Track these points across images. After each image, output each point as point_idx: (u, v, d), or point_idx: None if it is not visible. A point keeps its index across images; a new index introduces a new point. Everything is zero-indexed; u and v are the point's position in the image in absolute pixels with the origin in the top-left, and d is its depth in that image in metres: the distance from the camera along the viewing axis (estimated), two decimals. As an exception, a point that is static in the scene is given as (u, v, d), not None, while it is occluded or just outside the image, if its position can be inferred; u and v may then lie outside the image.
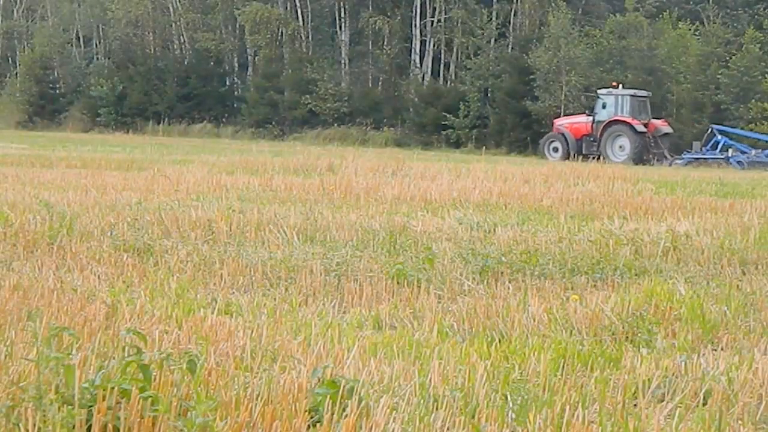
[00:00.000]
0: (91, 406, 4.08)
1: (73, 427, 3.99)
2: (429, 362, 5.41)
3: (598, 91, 43.25)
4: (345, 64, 56.36)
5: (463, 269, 8.58)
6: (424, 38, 55.22)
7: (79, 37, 65.08)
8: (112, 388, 4.12)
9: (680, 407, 4.96)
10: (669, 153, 41.24)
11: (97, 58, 63.71)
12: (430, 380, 5.06)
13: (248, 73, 59.54)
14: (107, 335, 5.61)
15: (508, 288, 8.00)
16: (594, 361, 5.71)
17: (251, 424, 4.20)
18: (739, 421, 4.79)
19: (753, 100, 43.54)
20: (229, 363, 5.18)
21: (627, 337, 6.39)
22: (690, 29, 47.45)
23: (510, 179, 20.28)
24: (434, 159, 32.67)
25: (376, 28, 54.62)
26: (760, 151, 39.73)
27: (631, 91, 42.32)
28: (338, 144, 46.19)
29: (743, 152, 39.65)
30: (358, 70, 56.33)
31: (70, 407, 4.04)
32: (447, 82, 54.83)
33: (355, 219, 11.83)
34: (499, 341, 6.13)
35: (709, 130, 41.24)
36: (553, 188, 18.29)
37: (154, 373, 4.30)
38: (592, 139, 41.62)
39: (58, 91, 62.95)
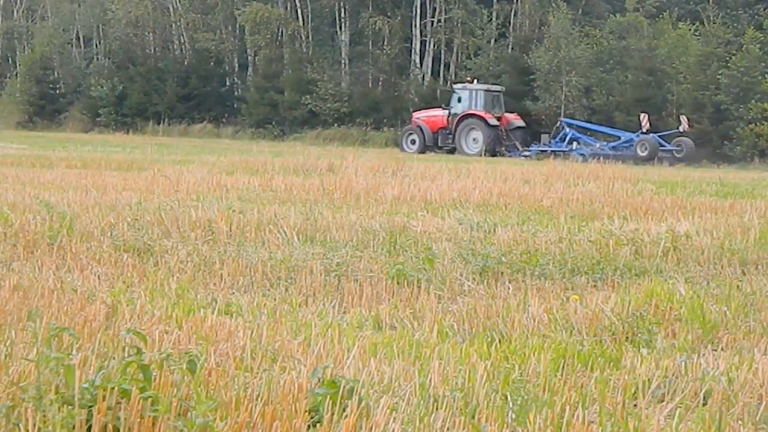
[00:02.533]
0: (91, 407, 4.08)
1: (73, 427, 3.99)
2: (429, 362, 5.41)
3: (454, 86, 45.41)
4: (345, 64, 56.36)
5: (463, 269, 8.58)
6: (424, 38, 55.23)
7: (79, 37, 65.10)
8: (112, 388, 4.12)
9: (680, 407, 4.96)
10: (520, 145, 42.89)
11: (97, 59, 63.71)
12: (430, 380, 5.06)
13: (248, 73, 59.55)
14: (107, 335, 5.61)
15: (508, 288, 8.00)
16: (594, 361, 5.71)
17: (251, 425, 4.20)
18: (739, 422, 4.79)
19: (753, 100, 43.53)
20: (229, 363, 5.17)
21: (627, 338, 6.39)
22: (690, 29, 47.44)
23: (510, 179, 20.29)
24: (434, 159, 32.67)
25: (376, 28, 54.62)
26: (604, 143, 41.54)
27: (485, 86, 44.38)
28: (338, 144, 46.19)
29: (589, 144, 41.34)
30: (358, 70, 56.33)
31: (70, 407, 4.04)
32: (447, 83, 54.82)
33: (355, 219, 11.83)
34: (499, 341, 6.13)
35: (559, 123, 43.10)
36: (553, 188, 18.29)
37: (154, 374, 4.30)
38: (447, 132, 43.60)
39: (58, 92, 62.94)
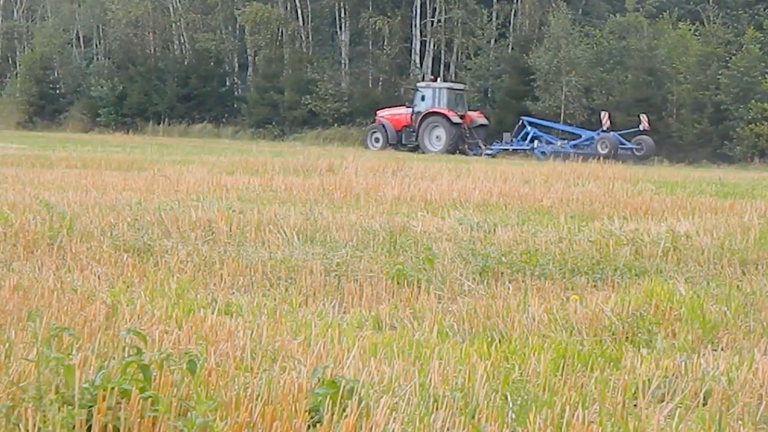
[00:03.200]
0: (91, 407, 4.08)
1: (73, 427, 3.99)
2: (429, 362, 5.41)
3: (418, 84, 46.03)
4: (345, 64, 56.36)
5: (463, 269, 8.58)
6: (424, 38, 55.22)
7: (79, 38, 65.09)
8: (112, 388, 4.12)
9: (680, 407, 4.96)
10: (482, 143, 43.42)
11: (97, 59, 63.69)
12: (430, 380, 5.06)
13: (248, 74, 59.54)
14: (107, 335, 5.61)
15: (508, 288, 8.00)
16: (594, 361, 5.71)
17: (251, 425, 4.20)
18: (739, 422, 4.79)
19: (753, 101, 43.54)
20: (229, 363, 5.18)
21: (627, 338, 6.39)
22: (690, 29, 47.44)
23: (510, 179, 20.29)
24: (434, 159, 32.68)
25: (376, 28, 54.61)
26: (565, 142, 42.18)
27: (448, 85, 45.15)
28: (338, 144, 46.21)
29: (550, 143, 42.03)
30: (358, 70, 56.32)
31: (70, 407, 4.04)
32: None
33: (355, 219, 11.83)
34: (499, 341, 6.13)
35: (520, 121, 43.63)
36: (553, 188, 18.29)
37: (154, 374, 4.30)
38: (411, 129, 44.16)
39: (58, 92, 62.93)
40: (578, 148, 40.98)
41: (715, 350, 6.27)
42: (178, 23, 61.36)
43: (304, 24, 57.52)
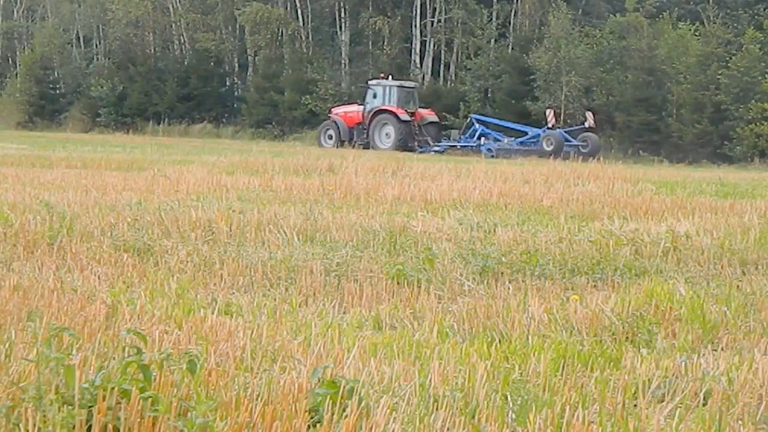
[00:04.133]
0: (91, 407, 4.08)
1: (73, 427, 3.99)
2: (429, 362, 5.41)
3: (369, 82, 46.63)
4: (345, 64, 56.36)
5: (463, 269, 8.58)
6: (424, 38, 55.22)
7: (79, 38, 65.08)
8: (113, 388, 4.12)
9: (680, 407, 4.96)
10: (432, 140, 44.27)
11: (97, 59, 63.69)
12: (430, 380, 5.06)
13: (248, 74, 59.54)
14: (107, 335, 5.61)
15: (508, 288, 8.00)
16: (594, 361, 5.71)
17: (251, 425, 4.20)
18: (739, 422, 4.79)
19: (753, 101, 43.54)
20: (229, 363, 5.18)
21: (627, 338, 6.39)
22: (690, 29, 47.44)
23: (510, 179, 20.28)
24: (434, 159, 32.68)
25: (376, 28, 54.61)
26: (512, 139, 43.02)
27: (398, 83, 45.90)
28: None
29: (497, 140, 42.94)
30: (358, 70, 56.30)
31: (70, 407, 4.04)
32: (447, 83, 54.83)
33: (355, 219, 11.83)
34: (499, 341, 6.13)
35: (469, 119, 44.65)
36: (553, 188, 18.29)
37: (154, 374, 4.30)
38: (363, 127, 44.89)
39: (58, 92, 62.93)
40: (525, 146, 41.87)
41: (715, 350, 6.27)
42: (178, 23, 61.36)
43: (304, 24, 57.52)
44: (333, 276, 8.24)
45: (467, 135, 43.94)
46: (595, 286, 8.35)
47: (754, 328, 6.75)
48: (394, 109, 44.43)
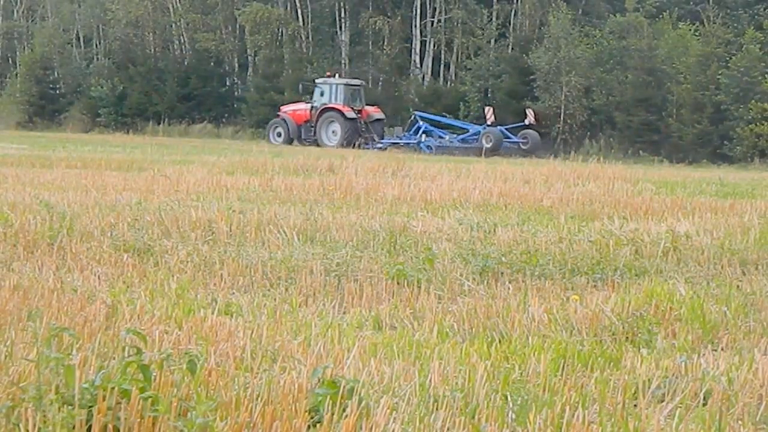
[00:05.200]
0: (91, 407, 4.08)
1: (73, 427, 3.99)
2: (429, 362, 5.41)
3: (316, 81, 47.85)
4: (345, 64, 56.33)
5: (463, 269, 8.58)
6: (424, 38, 55.22)
7: (79, 38, 65.07)
8: (112, 388, 4.12)
9: (680, 407, 4.96)
10: (378, 137, 45.49)
11: (97, 59, 63.67)
12: (430, 380, 5.06)
13: (248, 74, 59.53)
14: (107, 335, 5.61)
15: (508, 288, 8.00)
16: (594, 361, 5.71)
17: (251, 425, 4.20)
18: (739, 422, 4.79)
19: (753, 101, 43.54)
20: (230, 363, 5.18)
21: (627, 338, 6.39)
22: (690, 29, 47.45)
23: (510, 179, 20.28)
24: (434, 159, 32.67)
25: (376, 28, 54.61)
26: (454, 136, 44.29)
27: (344, 81, 47.13)
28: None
29: (441, 137, 44.19)
30: (358, 70, 56.29)
31: (70, 407, 4.04)
32: (447, 83, 54.83)
33: (356, 219, 11.82)
34: (499, 341, 6.13)
35: (413, 116, 45.90)
36: (553, 188, 18.29)
37: (154, 374, 4.30)
38: (310, 124, 46.22)
39: (58, 92, 62.90)
40: (466, 143, 43.07)
41: (715, 350, 6.27)
42: (178, 23, 61.34)
43: (304, 24, 57.51)
44: (333, 276, 8.24)
45: (411, 132, 45.08)
46: (595, 286, 8.35)
47: (754, 328, 6.75)
48: (340, 107, 45.54)
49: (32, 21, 68.11)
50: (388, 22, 54.56)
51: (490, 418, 4.55)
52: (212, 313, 6.51)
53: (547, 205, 15.23)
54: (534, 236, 10.72)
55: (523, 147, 42.91)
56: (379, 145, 43.98)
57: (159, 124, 56.53)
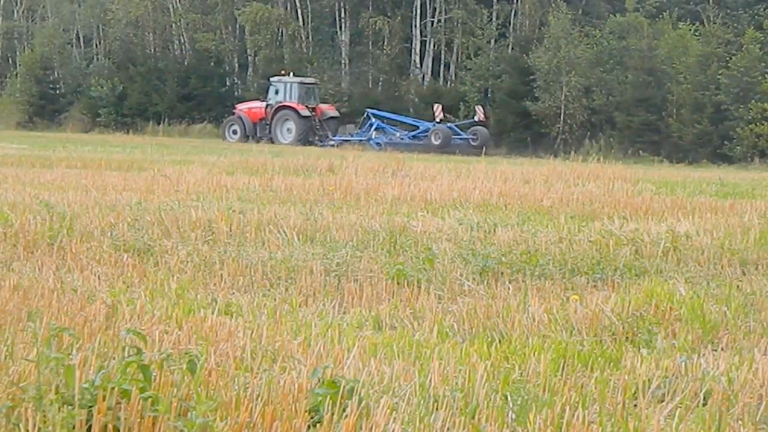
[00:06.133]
0: (91, 407, 4.08)
1: (73, 427, 3.99)
2: (429, 362, 5.41)
3: (271, 79, 48.87)
4: (345, 64, 56.32)
5: (463, 269, 8.58)
6: (424, 38, 55.18)
7: (79, 38, 65.03)
8: (112, 388, 4.12)
9: (680, 407, 4.96)
10: (331, 135, 46.49)
11: (98, 59, 63.61)
12: (430, 380, 5.06)
13: (248, 74, 59.48)
14: (107, 335, 5.61)
15: (508, 288, 8.00)
16: (594, 361, 5.71)
17: (251, 425, 4.20)
18: (739, 422, 4.79)
19: (753, 101, 43.52)
20: (230, 363, 5.18)
21: (627, 338, 6.39)
22: (690, 29, 47.41)
23: (510, 179, 20.28)
24: (434, 159, 32.67)
25: (376, 28, 54.57)
26: (406, 133, 45.22)
27: (299, 79, 48.09)
28: (338, 144, 46.30)
29: (390, 134, 45.12)
30: (359, 70, 56.28)
31: (70, 407, 4.04)
32: (447, 83, 54.80)
33: (355, 219, 11.82)
34: (499, 342, 6.13)
35: (365, 114, 46.72)
36: (553, 188, 18.28)
37: (154, 374, 4.30)
38: (265, 122, 47.14)
39: (58, 92, 62.84)
40: (417, 139, 43.96)
41: (715, 350, 6.27)
42: (178, 23, 61.30)
43: (304, 24, 57.48)
44: (333, 276, 8.24)
45: (365, 129, 45.89)
46: (595, 286, 8.35)
47: (754, 328, 6.75)
48: (295, 105, 46.59)
49: (32, 21, 68.06)
50: (388, 22, 54.53)
51: (490, 418, 4.55)
52: (212, 313, 6.51)
53: (547, 205, 15.23)
54: (534, 236, 10.72)
55: (473, 143, 43.84)
56: (332, 143, 44.83)
57: (159, 124, 56.48)
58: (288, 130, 46.77)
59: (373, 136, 44.82)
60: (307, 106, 46.74)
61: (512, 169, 24.72)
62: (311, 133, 46.58)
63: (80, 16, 64.77)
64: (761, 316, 7.06)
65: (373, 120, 45.89)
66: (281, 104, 46.91)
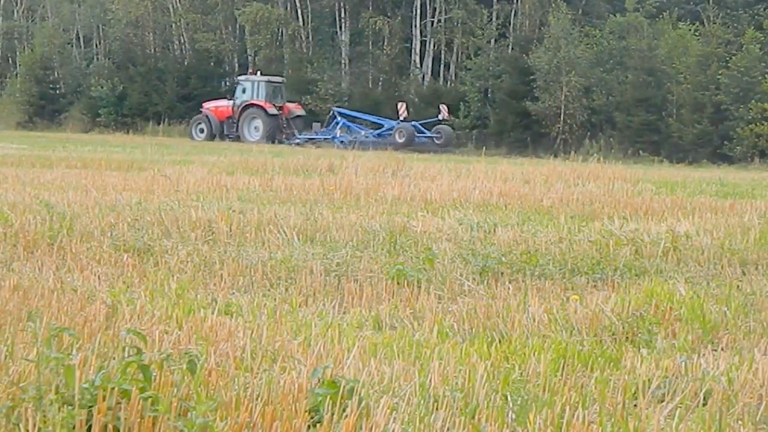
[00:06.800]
0: (91, 407, 4.08)
1: (73, 427, 3.99)
2: (429, 362, 5.41)
3: (238, 78, 50.30)
4: (345, 64, 56.32)
5: (464, 269, 8.58)
6: (424, 38, 55.18)
7: (79, 38, 65.02)
8: (113, 388, 4.12)
9: (680, 407, 4.96)
10: (298, 133, 47.26)
11: (98, 59, 63.61)
12: (430, 380, 5.06)
13: (248, 74, 59.46)
14: (107, 335, 5.61)
15: (508, 288, 8.00)
16: (594, 361, 5.71)
17: (251, 425, 4.20)
18: (739, 422, 4.79)
19: (753, 101, 43.52)
20: (230, 363, 5.18)
21: (627, 338, 6.39)
22: (690, 29, 47.42)
23: (510, 179, 20.28)
24: (434, 159, 32.67)
25: (376, 28, 54.57)
26: (371, 131, 45.97)
27: (266, 78, 48.84)
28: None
29: (355, 132, 45.59)
30: (359, 70, 56.28)
31: (70, 407, 4.04)
32: (447, 83, 54.80)
33: (356, 219, 11.82)
34: (499, 342, 6.13)
35: (331, 112, 47.68)
36: (553, 188, 18.28)
37: (155, 374, 4.30)
38: (233, 121, 48.06)
39: (58, 92, 62.82)
40: (382, 137, 44.56)
41: (715, 350, 6.27)
42: (178, 23, 61.30)
43: (304, 24, 57.47)
44: (333, 276, 8.24)
45: (330, 127, 46.56)
46: (595, 286, 8.35)
47: (754, 328, 6.75)
48: (262, 104, 47.39)
49: (32, 21, 68.03)
50: (388, 22, 54.53)
51: (490, 418, 4.55)
52: (212, 313, 6.51)
53: (547, 205, 15.23)
54: (534, 236, 10.72)
55: (437, 142, 44.57)
56: (297, 140, 45.79)
57: (159, 124, 56.47)
58: (255, 128, 47.61)
59: (338, 135, 45.47)
60: (274, 105, 47.59)
61: (512, 169, 24.71)
62: (278, 131, 47.44)
63: (80, 16, 64.76)
64: (761, 316, 7.06)
65: (339, 118, 46.57)
66: (248, 103, 47.75)
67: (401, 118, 45.54)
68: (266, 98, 47.69)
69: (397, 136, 44.13)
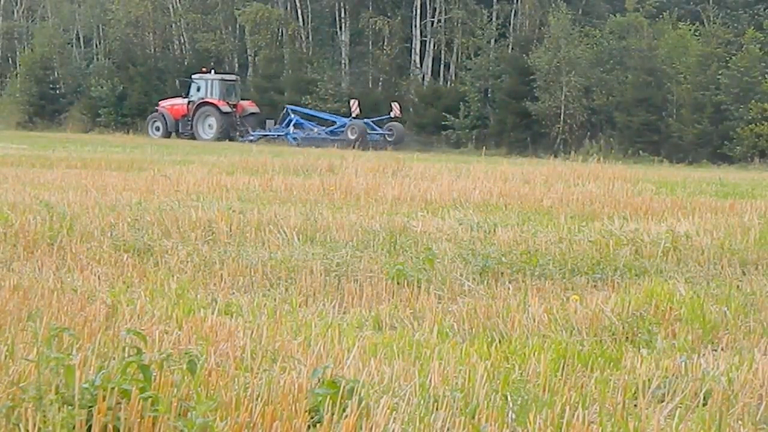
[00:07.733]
0: (91, 407, 4.08)
1: (73, 427, 3.99)
2: (429, 362, 5.41)
3: (192, 76, 50.77)
4: (345, 64, 56.31)
5: (463, 270, 8.58)
6: (424, 38, 55.16)
7: (79, 38, 65.01)
8: (113, 388, 4.12)
9: (680, 407, 4.96)
10: (251, 131, 47.96)
11: (98, 59, 63.57)
12: (430, 380, 5.06)
13: (248, 74, 59.47)
14: (107, 335, 5.61)
15: (508, 288, 8.00)
16: (594, 361, 5.71)
17: (251, 425, 4.20)
18: (739, 422, 4.79)
19: (753, 101, 43.51)
20: (230, 363, 5.18)
21: (627, 338, 6.39)
22: (690, 29, 47.40)
23: (510, 179, 20.27)
24: (434, 159, 32.67)
25: (376, 28, 54.55)
26: (323, 128, 46.69)
27: (220, 76, 49.96)
28: (338, 144, 46.33)
29: (308, 129, 46.51)
30: (359, 70, 56.25)
31: (70, 407, 4.04)
32: (447, 83, 54.77)
33: (356, 219, 11.82)
34: (499, 342, 6.13)
35: (285, 110, 48.17)
36: (553, 189, 18.28)
37: (155, 374, 4.30)
38: (187, 119, 48.96)
39: (58, 92, 62.81)
40: (334, 134, 45.21)
41: (715, 350, 6.27)
42: (178, 23, 61.29)
43: (304, 24, 57.46)
44: (333, 276, 8.24)
45: (284, 124, 47.12)
46: (595, 286, 8.35)
47: (754, 328, 6.76)
48: (216, 102, 48.46)
49: (32, 21, 68.01)
50: (388, 22, 54.51)
51: (490, 418, 4.55)
52: (212, 313, 6.51)
53: (547, 205, 15.23)
54: (534, 236, 10.72)
55: (389, 139, 45.01)
56: (251, 138, 46.28)
57: (159, 124, 56.42)
58: (209, 125, 48.53)
59: (291, 131, 46.10)
60: (228, 103, 48.51)
61: (512, 169, 24.71)
62: (232, 129, 48.24)
63: (80, 16, 64.73)
64: (761, 316, 7.06)
65: (292, 116, 47.13)
66: (203, 101, 48.64)
67: (354, 115, 46.10)
68: (220, 96, 48.58)
69: (349, 133, 44.60)
